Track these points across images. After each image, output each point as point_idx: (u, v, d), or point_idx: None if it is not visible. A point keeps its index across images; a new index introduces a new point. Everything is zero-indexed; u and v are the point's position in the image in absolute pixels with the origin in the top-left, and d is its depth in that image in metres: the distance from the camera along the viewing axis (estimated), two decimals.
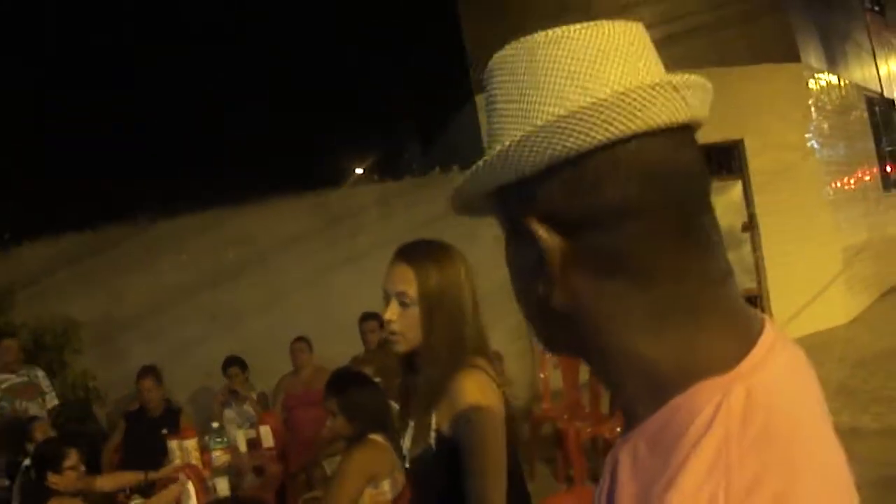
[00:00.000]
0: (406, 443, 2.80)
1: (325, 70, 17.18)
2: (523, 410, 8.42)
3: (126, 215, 10.68)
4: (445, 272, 2.67)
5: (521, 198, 1.02)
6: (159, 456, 6.75)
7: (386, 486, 4.39)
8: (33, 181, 14.73)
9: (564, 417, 7.78)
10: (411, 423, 2.78)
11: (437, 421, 2.66)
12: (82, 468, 5.32)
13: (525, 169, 0.99)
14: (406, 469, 2.86)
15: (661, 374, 0.96)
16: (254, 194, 10.85)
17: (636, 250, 0.96)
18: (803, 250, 12.98)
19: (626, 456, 1.01)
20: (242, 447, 7.05)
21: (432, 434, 2.66)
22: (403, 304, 2.67)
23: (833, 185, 14.44)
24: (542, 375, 8.73)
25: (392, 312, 2.69)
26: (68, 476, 5.10)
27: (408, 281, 2.66)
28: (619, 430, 1.20)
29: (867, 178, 16.78)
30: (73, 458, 5.14)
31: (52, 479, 5.07)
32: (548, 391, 8.59)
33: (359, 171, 13.66)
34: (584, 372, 7.78)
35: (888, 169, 19.00)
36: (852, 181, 15.72)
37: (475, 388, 2.60)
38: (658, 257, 0.97)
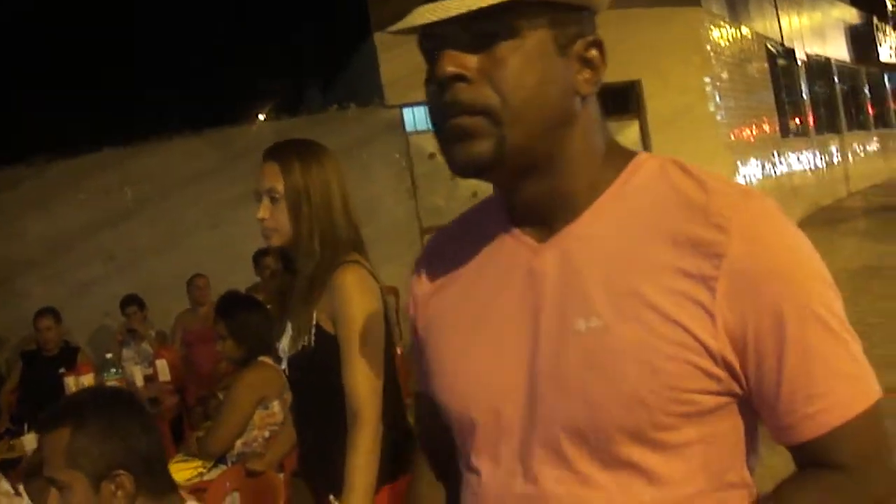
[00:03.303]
0: (284, 344, 2.82)
1: (225, 9, 16.97)
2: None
3: (22, 156, 10.47)
4: (310, 165, 2.72)
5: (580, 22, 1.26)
6: (56, 394, 6.69)
7: (276, 406, 4.44)
8: None
9: None
10: (289, 325, 2.80)
11: (316, 317, 2.70)
12: None
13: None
14: (285, 369, 2.88)
15: (610, 159, 1.31)
16: (152, 133, 10.73)
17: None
18: None
19: (573, 242, 1.28)
20: (139, 382, 7.02)
21: (312, 331, 2.70)
22: (273, 200, 2.71)
23: (733, 132, 14.66)
24: None
25: (264, 210, 2.73)
26: None
27: (275, 176, 2.71)
28: None
29: (766, 127, 17.07)
30: None
31: None
32: None
33: (260, 111, 13.49)
34: None
35: (796, 120, 19.39)
36: (752, 129, 16.00)
37: (355, 283, 2.65)
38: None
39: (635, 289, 1.20)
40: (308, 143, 2.84)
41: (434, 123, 1.27)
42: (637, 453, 1.20)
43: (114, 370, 6.69)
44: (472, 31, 1.18)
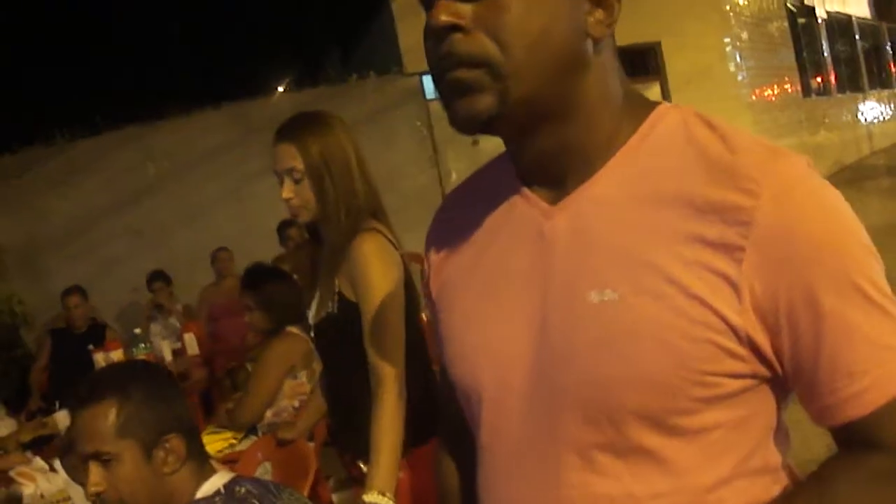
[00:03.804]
0: (312, 312, 2.86)
1: None
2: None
3: (45, 136, 10.50)
4: (325, 139, 2.72)
5: None
6: (86, 371, 6.74)
7: (304, 376, 4.46)
8: None
9: None
10: (317, 293, 2.84)
11: (338, 284, 2.73)
12: None
13: None
14: (312, 338, 2.91)
15: (629, 112, 1.20)
16: (172, 108, 10.73)
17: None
18: None
19: (586, 205, 1.18)
20: (168, 356, 7.06)
21: (335, 297, 2.74)
22: (295, 179, 2.72)
23: (754, 92, 14.54)
24: None
25: (288, 190, 2.74)
26: None
27: (292, 157, 2.71)
28: None
29: (787, 86, 16.92)
30: None
31: None
32: None
33: (278, 84, 13.47)
34: None
35: (817, 79, 19.19)
36: (774, 89, 15.86)
37: (372, 250, 2.66)
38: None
39: (652, 260, 1.10)
40: (317, 116, 2.84)
41: (433, 77, 1.18)
42: (652, 439, 1.12)
43: (143, 345, 6.74)
44: None
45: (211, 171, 10.42)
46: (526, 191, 1.25)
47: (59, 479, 4.07)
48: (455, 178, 10.88)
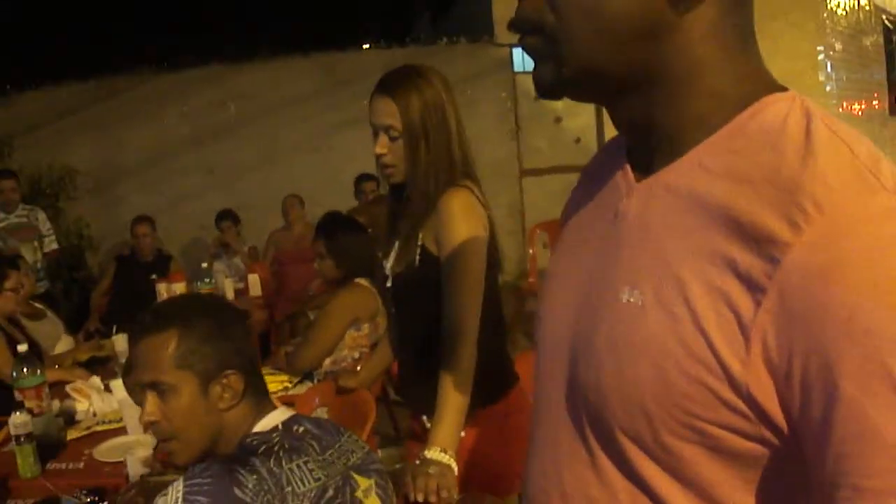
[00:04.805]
0: (389, 263, 2.83)
1: None
2: (511, 286, 8.50)
3: (129, 66, 10.57)
4: (426, 98, 2.65)
5: None
6: (147, 300, 6.79)
7: (366, 328, 4.44)
8: (36, 31, 14.61)
9: None
10: (396, 244, 2.80)
11: (422, 237, 2.70)
12: (25, 290, 5.44)
13: None
14: (388, 288, 2.87)
15: (734, 90, 1.01)
16: (259, 52, 10.74)
17: None
18: None
19: (659, 191, 1.04)
20: (230, 295, 7.09)
21: (417, 250, 2.71)
22: (392, 138, 2.67)
23: (841, 104, 14.27)
24: (530, 251, 8.93)
25: (382, 146, 2.70)
26: (8, 297, 5.17)
27: (391, 114, 2.65)
28: None
29: (875, 102, 16.60)
30: (13, 279, 5.20)
31: None
32: (535, 267, 8.75)
33: (366, 40, 13.47)
34: None
35: None
36: (861, 104, 15.56)
37: (461, 206, 2.63)
38: None
39: (679, 273, 0.95)
40: (422, 73, 2.74)
41: None
42: (649, 468, 1.00)
43: (207, 279, 6.76)
44: None
45: (291, 117, 10.39)
46: (626, 163, 1.14)
47: (112, 401, 4.09)
48: (534, 153, 10.83)
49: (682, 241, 0.97)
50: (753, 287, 0.87)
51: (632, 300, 1.00)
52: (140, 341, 2.16)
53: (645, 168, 1.09)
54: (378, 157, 2.73)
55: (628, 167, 1.13)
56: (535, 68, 1.07)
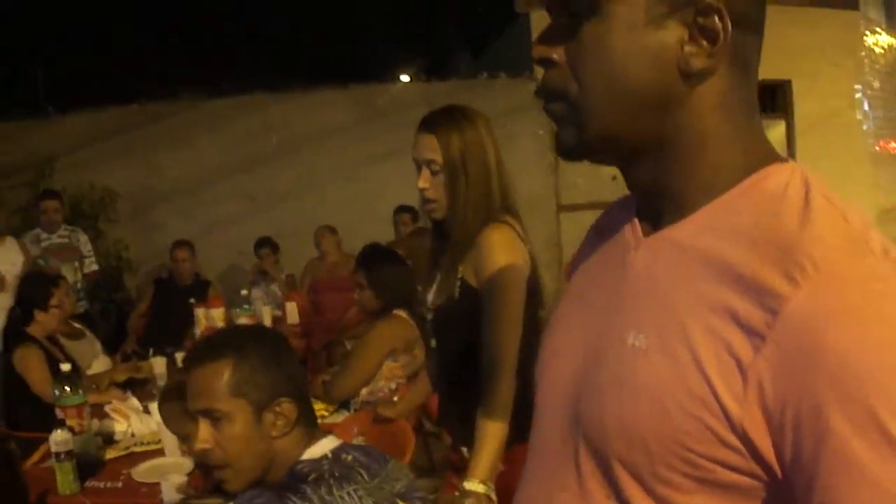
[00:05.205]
0: (430, 296, 2.89)
1: None
2: (547, 319, 8.50)
3: (170, 92, 10.68)
4: (466, 136, 2.73)
5: None
6: (185, 324, 6.86)
7: (403, 359, 4.48)
8: (80, 55, 14.81)
9: None
10: (438, 277, 2.86)
11: (462, 271, 2.75)
12: (66, 308, 5.54)
13: None
14: (429, 320, 2.92)
15: (738, 160, 1.10)
16: (298, 83, 10.83)
17: (753, 50, 1.11)
18: None
19: (666, 246, 1.12)
20: (268, 322, 7.13)
21: (457, 283, 2.76)
22: (433, 172, 2.74)
23: (879, 143, 14.19)
24: (566, 285, 8.83)
25: (425, 180, 2.77)
26: (52, 314, 5.25)
27: (433, 149, 2.74)
28: None
29: None
30: (58, 296, 5.29)
31: (39, 318, 5.25)
32: None
33: (405, 73, 13.56)
34: None
35: None
36: None
37: (502, 242, 2.69)
38: (755, 56, 1.12)
39: (684, 321, 1.03)
40: (463, 112, 2.83)
41: None
42: (638, 499, 1.06)
43: (246, 306, 6.81)
44: (569, 10, 1.10)
45: (329, 147, 10.45)
46: (635, 218, 1.23)
47: (151, 422, 4.13)
48: (572, 189, 10.83)
49: (687, 291, 1.05)
50: (753, 335, 0.96)
51: (637, 343, 1.08)
52: (195, 370, 2.21)
53: (653, 225, 1.18)
54: (421, 191, 2.79)
55: (637, 222, 1.21)
56: (558, 131, 1.16)
